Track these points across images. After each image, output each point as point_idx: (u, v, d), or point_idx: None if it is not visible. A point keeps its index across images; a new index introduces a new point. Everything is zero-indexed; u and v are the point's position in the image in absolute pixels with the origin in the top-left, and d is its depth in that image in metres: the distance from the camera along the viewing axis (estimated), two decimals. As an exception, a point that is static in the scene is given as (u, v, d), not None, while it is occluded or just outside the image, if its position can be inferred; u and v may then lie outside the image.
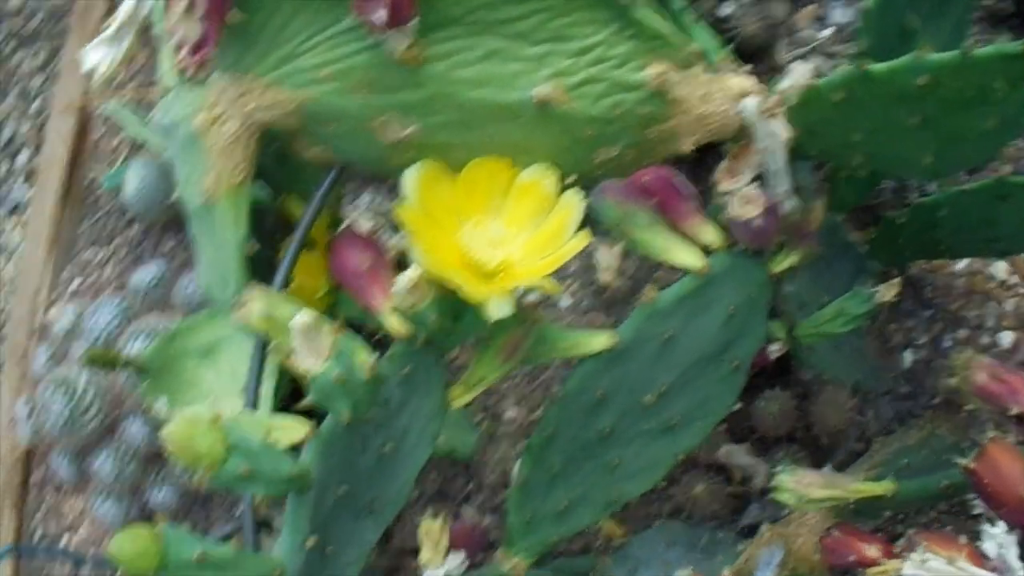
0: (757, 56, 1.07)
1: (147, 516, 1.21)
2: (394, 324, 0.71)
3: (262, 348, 0.72)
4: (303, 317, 0.59)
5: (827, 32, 1.15)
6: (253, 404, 0.72)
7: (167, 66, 0.90)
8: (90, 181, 1.37)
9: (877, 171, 0.95)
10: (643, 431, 0.86)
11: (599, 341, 0.79)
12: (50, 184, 1.34)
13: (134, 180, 1.20)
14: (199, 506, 1.19)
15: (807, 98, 0.75)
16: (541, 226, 0.71)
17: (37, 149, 1.50)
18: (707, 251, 0.80)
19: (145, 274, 1.18)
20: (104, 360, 0.97)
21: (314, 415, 0.70)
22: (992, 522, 0.69)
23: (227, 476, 0.61)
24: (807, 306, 1.00)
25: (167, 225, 1.28)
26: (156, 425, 1.12)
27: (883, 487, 0.83)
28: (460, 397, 0.77)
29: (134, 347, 1.09)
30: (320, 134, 0.69)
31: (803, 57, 1.12)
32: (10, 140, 1.53)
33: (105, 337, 1.13)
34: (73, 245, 1.35)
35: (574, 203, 0.70)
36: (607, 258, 1.11)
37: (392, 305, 0.71)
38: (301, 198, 0.78)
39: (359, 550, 0.76)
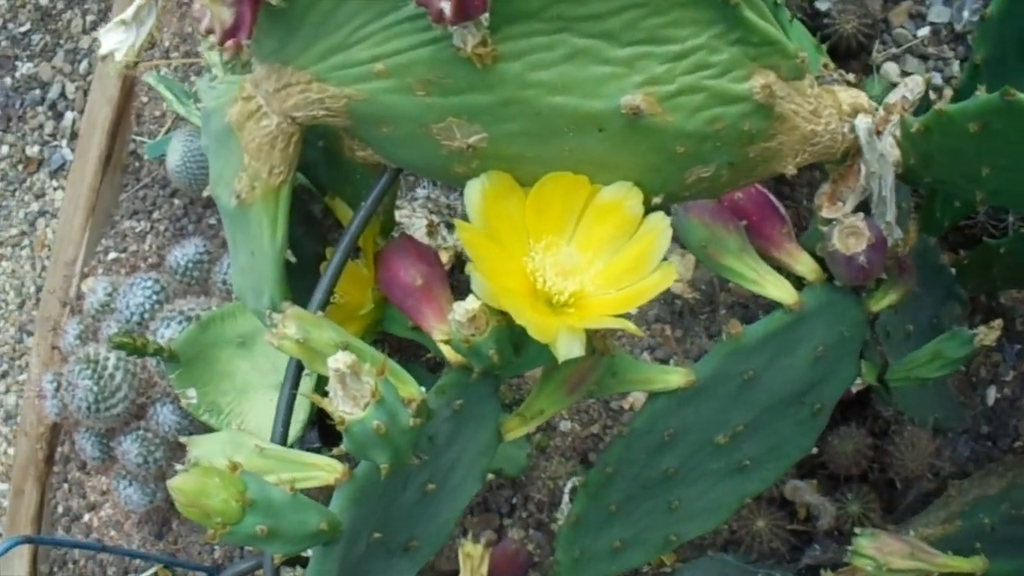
0: (851, 55, 0.94)
1: (172, 504, 1.12)
2: (448, 352, 0.60)
3: (297, 371, 0.61)
4: (342, 359, 0.49)
5: (924, 31, 1.02)
6: (283, 433, 0.61)
7: (205, 46, 0.80)
8: (133, 149, 1.27)
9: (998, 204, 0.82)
10: (710, 471, 0.75)
11: (675, 378, 0.68)
12: (91, 149, 1.24)
13: (177, 152, 1.10)
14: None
15: (933, 124, 0.63)
16: (620, 252, 0.59)
17: (83, 111, 1.40)
18: (799, 283, 0.69)
19: (184, 252, 1.08)
20: (132, 346, 0.87)
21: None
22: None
23: (243, 535, 0.51)
24: (892, 335, 0.89)
25: (211, 200, 1.17)
26: (187, 413, 1.03)
27: (972, 564, 0.72)
28: (515, 430, 0.67)
29: (167, 331, 0.99)
30: (371, 136, 0.57)
31: (896, 58, 0.99)
32: (56, 100, 1.43)
33: (137, 317, 1.03)
34: (112, 214, 1.25)
35: (661, 228, 0.58)
36: (679, 268, 0.99)
37: (447, 333, 0.60)
38: (348, 201, 0.67)
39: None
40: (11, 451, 1.38)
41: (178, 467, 1.03)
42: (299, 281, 0.63)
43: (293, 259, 0.61)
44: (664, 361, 0.98)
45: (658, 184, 0.59)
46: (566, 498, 0.90)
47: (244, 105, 0.56)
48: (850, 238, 0.66)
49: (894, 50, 0.98)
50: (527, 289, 0.57)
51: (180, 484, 0.49)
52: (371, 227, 0.63)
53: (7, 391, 1.40)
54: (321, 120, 0.56)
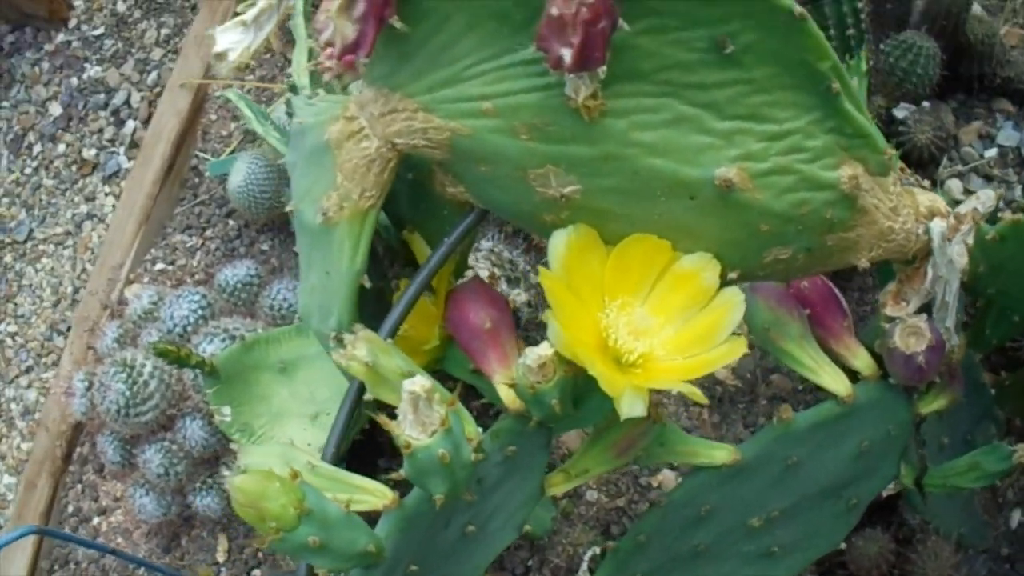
0: (920, 165, 0.95)
1: (186, 519, 1.10)
2: (509, 398, 0.60)
3: (358, 393, 0.61)
4: (419, 383, 0.48)
5: (991, 153, 1.03)
6: (335, 454, 0.60)
7: (301, 64, 0.81)
8: (194, 165, 1.28)
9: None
10: (739, 553, 0.74)
11: (720, 454, 0.68)
12: (153, 158, 1.25)
13: (241, 172, 1.11)
14: (241, 522, 1.08)
15: (1009, 233, 0.63)
16: (691, 321, 0.59)
17: (145, 122, 1.41)
18: (854, 377, 0.69)
19: (235, 272, 1.08)
20: (174, 355, 0.87)
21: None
22: None
23: (294, 544, 0.50)
24: (927, 444, 0.88)
25: (266, 226, 1.18)
26: (215, 431, 1.02)
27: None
28: (558, 486, 0.66)
29: (209, 347, 0.99)
30: (467, 173, 0.58)
31: (961, 175, 1.00)
32: (120, 107, 1.45)
33: (180, 329, 1.03)
34: (165, 226, 1.26)
35: (734, 303, 0.58)
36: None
37: (511, 378, 0.60)
38: (426, 236, 0.67)
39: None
40: (24, 446, 1.37)
41: (198, 484, 1.02)
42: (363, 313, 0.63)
43: (368, 284, 0.60)
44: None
45: (737, 259, 0.59)
46: (584, 566, 0.88)
47: (346, 125, 0.57)
48: (911, 337, 0.66)
49: (960, 167, 0.99)
50: (598, 344, 0.57)
51: (241, 483, 0.48)
52: (447, 266, 0.63)
53: (29, 386, 1.40)
54: (421, 150, 0.56)
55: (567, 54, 0.50)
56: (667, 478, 0.96)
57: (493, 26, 0.53)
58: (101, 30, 1.49)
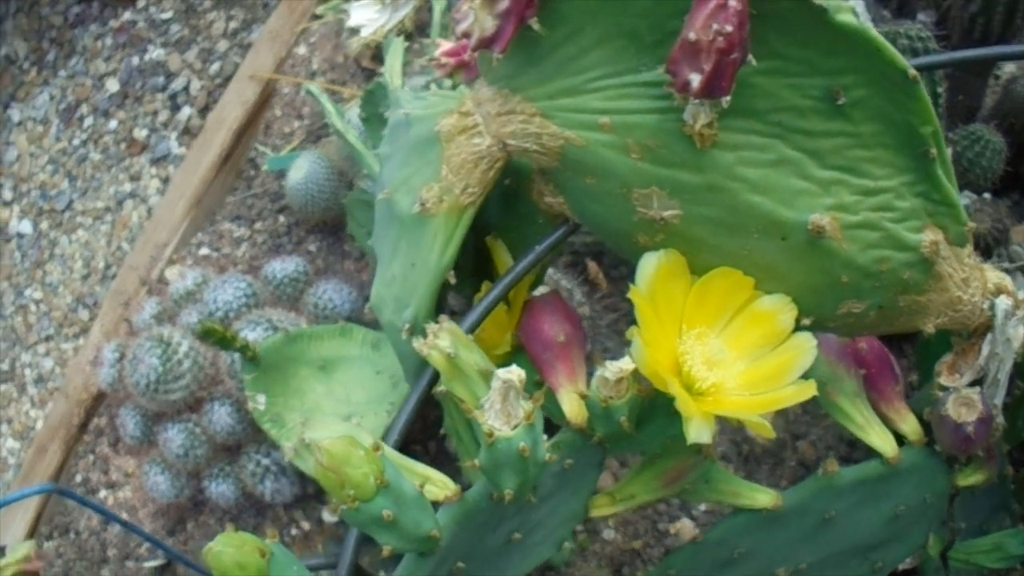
0: (972, 257, 0.96)
1: (197, 504, 1.10)
2: (574, 411, 0.60)
3: (430, 383, 0.61)
4: (516, 372, 0.49)
5: (1037, 255, 1.04)
6: (399, 440, 0.61)
7: (395, 67, 0.82)
8: (252, 157, 1.29)
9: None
10: (760, 604, 0.74)
11: (763, 498, 0.68)
12: (212, 145, 1.27)
13: (302, 170, 1.12)
14: (253, 513, 1.08)
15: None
16: (762, 360, 0.60)
17: (202, 111, 1.43)
18: (899, 441, 0.70)
19: (283, 266, 1.08)
20: (218, 335, 0.87)
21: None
22: None
23: (368, 515, 0.50)
24: (944, 524, 0.89)
25: (317, 227, 1.19)
26: (242, 419, 1.02)
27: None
28: (601, 508, 0.67)
29: (251, 334, 0.99)
30: (571, 184, 0.59)
31: (1008, 272, 1.01)
32: (178, 93, 1.46)
33: (222, 313, 1.03)
34: (215, 212, 1.27)
35: (807, 348, 0.60)
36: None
37: (579, 391, 0.60)
38: (509, 245, 0.68)
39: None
40: (33, 412, 1.36)
41: (215, 471, 1.02)
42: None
43: (453, 281, 0.61)
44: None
45: (813, 306, 0.60)
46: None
47: (460, 119, 0.58)
48: (963, 407, 0.67)
49: (1007, 265, 1.00)
50: (672, 368, 0.58)
51: (330, 446, 0.49)
52: (527, 276, 0.64)
53: (47, 354, 1.39)
54: (530, 154, 0.58)
55: (696, 79, 0.51)
56: (685, 527, 0.96)
57: (622, 44, 0.54)
58: (169, 14, 1.51)
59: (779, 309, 0.60)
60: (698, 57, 0.51)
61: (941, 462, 0.70)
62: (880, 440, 0.69)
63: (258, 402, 0.93)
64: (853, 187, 0.58)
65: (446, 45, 0.67)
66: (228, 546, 0.50)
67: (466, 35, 0.53)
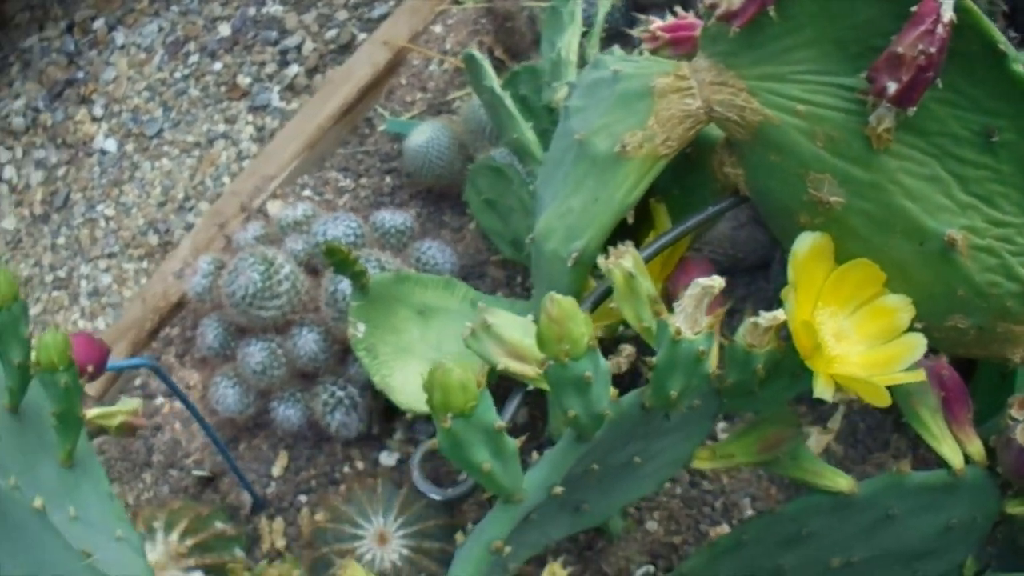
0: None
1: (255, 426, 1.21)
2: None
3: (602, 295, 0.73)
4: (717, 281, 0.62)
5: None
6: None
7: (571, 44, 0.96)
8: (369, 117, 1.43)
9: None
10: (808, 588, 0.86)
11: (843, 482, 0.81)
12: (335, 96, 1.41)
13: (425, 135, 1.26)
14: (309, 445, 1.19)
15: None
16: (877, 349, 0.74)
17: (310, 72, 1.57)
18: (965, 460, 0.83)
19: (393, 217, 1.21)
20: (341, 256, 0.99)
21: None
22: None
23: (574, 373, 0.58)
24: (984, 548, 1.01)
25: (421, 193, 1.32)
26: (327, 348, 1.14)
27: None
28: (702, 461, 0.79)
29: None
30: (755, 158, 0.73)
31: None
32: (289, 50, 1.60)
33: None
34: (324, 160, 1.40)
35: (917, 346, 0.73)
36: (818, 442, 1.12)
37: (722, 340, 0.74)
38: (671, 210, 0.82)
39: (542, 536, 0.76)
40: (82, 323, 1.47)
41: (286, 394, 1.13)
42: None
43: (631, 220, 0.75)
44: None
45: (926, 312, 0.74)
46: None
47: (676, 81, 0.72)
48: (1031, 437, 0.80)
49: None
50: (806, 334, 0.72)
51: (561, 300, 0.60)
52: (686, 240, 0.78)
53: (107, 270, 1.51)
54: (728, 123, 0.72)
55: (892, 87, 0.66)
56: (724, 532, 1.09)
57: (830, 48, 0.69)
58: (294, -26, 1.66)
59: (900, 308, 0.74)
60: (899, 69, 0.66)
61: (996, 487, 0.83)
62: (951, 452, 0.82)
63: (358, 329, 1.05)
64: (985, 215, 0.72)
65: (661, 23, 0.82)
66: (459, 367, 0.61)
67: (713, 6, 0.67)
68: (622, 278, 0.71)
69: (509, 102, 1.00)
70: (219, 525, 1.13)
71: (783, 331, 0.71)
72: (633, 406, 0.69)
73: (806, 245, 0.72)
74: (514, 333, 0.72)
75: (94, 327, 1.46)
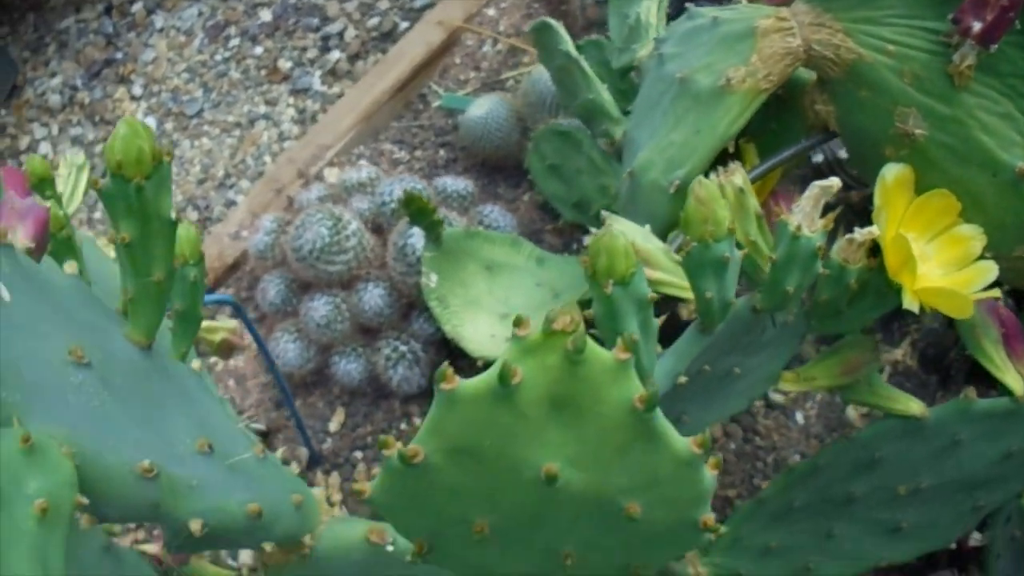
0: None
1: (313, 382, 1.30)
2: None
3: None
4: (834, 181, 0.73)
5: None
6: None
7: (651, 10, 1.08)
8: (423, 94, 1.54)
9: None
10: (873, 520, 0.96)
11: (915, 407, 0.91)
12: (390, 73, 1.51)
13: (483, 108, 1.37)
14: (367, 401, 1.28)
15: None
16: (953, 275, 0.85)
17: (351, 58, 1.68)
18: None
19: (455, 183, 1.32)
20: (420, 204, 1.10)
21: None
22: None
23: (713, 255, 0.68)
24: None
25: (475, 166, 1.43)
26: (392, 303, 1.23)
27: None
28: (788, 382, 0.89)
29: (420, 235, 1.21)
30: (847, 94, 0.84)
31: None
32: (331, 36, 1.71)
33: (394, 205, 1.26)
34: (379, 132, 1.50)
35: (988, 271, 0.84)
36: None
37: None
38: (760, 149, 0.93)
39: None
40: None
41: (348, 349, 1.22)
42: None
43: (732, 150, 0.86)
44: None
45: (996, 241, 0.85)
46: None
47: (777, 22, 0.84)
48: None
49: None
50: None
51: (707, 182, 0.70)
52: (777, 172, 0.89)
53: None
54: (824, 61, 0.83)
55: (977, 26, 0.78)
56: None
57: (921, -5, 0.81)
58: (335, -35, 1.78)
59: (974, 236, 0.85)
60: (984, 9, 0.77)
61: (1053, 417, 0.94)
62: (1013, 380, 0.92)
63: (431, 279, 1.16)
64: (1052, 153, 0.84)
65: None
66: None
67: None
68: (733, 193, 0.81)
69: (585, 64, 1.11)
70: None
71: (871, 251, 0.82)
72: (744, 308, 0.79)
73: (893, 172, 0.83)
74: (636, 238, 0.82)
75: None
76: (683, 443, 0.52)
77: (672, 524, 0.56)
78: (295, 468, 1.26)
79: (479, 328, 1.17)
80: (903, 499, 0.95)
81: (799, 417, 1.22)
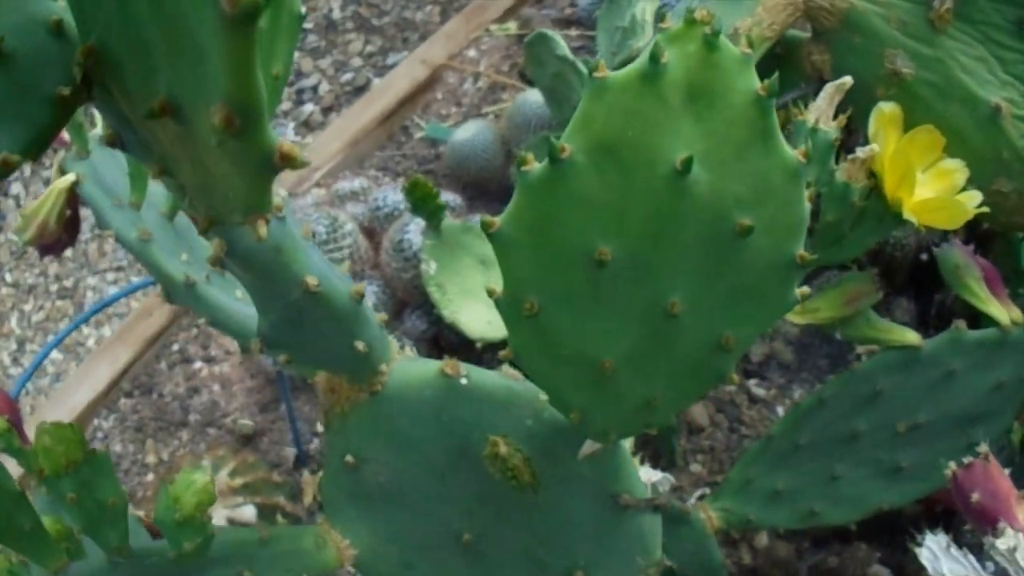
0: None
1: (304, 384, 1.37)
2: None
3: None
4: (847, 79, 0.87)
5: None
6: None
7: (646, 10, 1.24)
8: (406, 126, 1.67)
9: None
10: (874, 460, 1.07)
11: (910, 336, 1.04)
12: (376, 104, 1.65)
13: (469, 132, 1.50)
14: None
15: None
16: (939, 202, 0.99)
17: (325, 111, 1.82)
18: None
19: (444, 196, 1.43)
20: (424, 190, 1.21)
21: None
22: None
23: None
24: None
25: (457, 191, 1.56)
26: (388, 300, 1.34)
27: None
28: (793, 315, 1.02)
29: (416, 231, 1.33)
30: (841, 42, 1.00)
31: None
32: (305, 89, 1.85)
33: (389, 210, 1.37)
34: (364, 159, 1.63)
35: (973, 199, 0.99)
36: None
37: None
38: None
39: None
40: (86, 330, 1.63)
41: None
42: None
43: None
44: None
45: (977, 175, 1.00)
46: (693, 499, 1.20)
47: (779, -24, 1.00)
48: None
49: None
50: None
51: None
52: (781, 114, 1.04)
53: (115, 282, 1.68)
54: (821, 12, 0.99)
55: (953, -28, 0.95)
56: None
57: (902, -50, 0.98)
58: (310, 26, 1.92)
59: (957, 170, 1.00)
60: (958, -42, 0.95)
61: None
62: (999, 312, 1.05)
63: (430, 266, 1.27)
64: (1020, 90, 1.00)
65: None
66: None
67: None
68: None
69: (580, 65, 1.27)
70: (264, 472, 1.28)
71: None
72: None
73: (884, 111, 0.98)
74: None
75: (100, 336, 1.62)
76: (791, 152, 0.63)
77: (771, 260, 0.66)
78: (281, 470, 1.33)
79: (476, 314, 1.27)
80: (902, 438, 1.06)
81: (780, 411, 1.34)
